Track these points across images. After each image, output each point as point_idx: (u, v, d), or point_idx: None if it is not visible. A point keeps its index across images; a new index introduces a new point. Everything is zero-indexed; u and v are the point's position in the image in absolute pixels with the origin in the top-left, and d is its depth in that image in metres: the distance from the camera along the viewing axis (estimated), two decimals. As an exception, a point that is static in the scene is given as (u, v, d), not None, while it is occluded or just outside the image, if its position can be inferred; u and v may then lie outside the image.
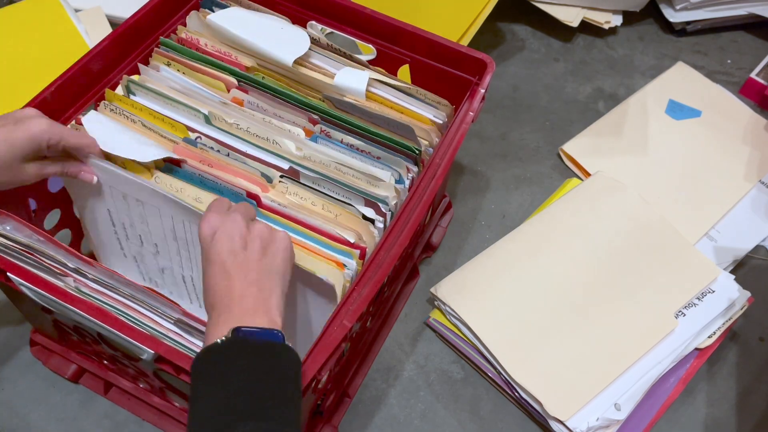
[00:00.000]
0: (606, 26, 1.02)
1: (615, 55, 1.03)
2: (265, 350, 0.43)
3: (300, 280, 0.54)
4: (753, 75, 0.98)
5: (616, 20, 1.03)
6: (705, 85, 0.97)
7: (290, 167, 0.59)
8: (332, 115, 0.62)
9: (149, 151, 0.57)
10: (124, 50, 0.66)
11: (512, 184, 0.87)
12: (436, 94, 0.70)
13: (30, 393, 0.67)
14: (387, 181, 0.59)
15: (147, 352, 0.48)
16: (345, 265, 0.55)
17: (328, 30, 0.72)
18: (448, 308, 0.72)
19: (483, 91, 0.65)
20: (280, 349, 0.44)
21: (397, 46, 0.70)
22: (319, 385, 0.54)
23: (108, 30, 0.91)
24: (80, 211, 0.63)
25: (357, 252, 0.55)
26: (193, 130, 0.60)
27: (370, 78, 0.65)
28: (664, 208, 0.81)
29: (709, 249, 0.81)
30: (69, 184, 0.61)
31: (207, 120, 0.61)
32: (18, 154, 0.51)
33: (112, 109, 0.60)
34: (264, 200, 0.57)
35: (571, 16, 1.00)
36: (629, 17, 1.06)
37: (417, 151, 0.61)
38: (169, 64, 0.64)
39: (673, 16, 1.04)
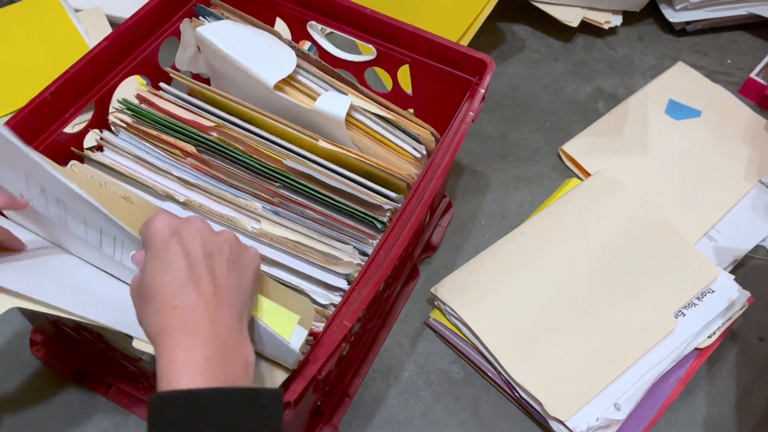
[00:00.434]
0: (606, 26, 1.02)
1: (615, 55, 1.03)
2: (246, 400, 0.36)
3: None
4: (753, 75, 0.98)
5: (616, 20, 1.03)
6: (705, 85, 0.97)
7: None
8: (293, 184, 0.61)
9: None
10: (123, 51, 0.66)
11: (512, 184, 0.87)
12: (436, 94, 0.70)
13: (30, 393, 0.67)
14: (347, 259, 0.58)
15: (147, 353, 0.48)
16: (338, 287, 0.55)
17: (328, 30, 0.72)
18: (448, 308, 0.72)
19: (483, 91, 0.65)
20: (263, 398, 0.37)
21: (397, 46, 0.70)
22: (319, 386, 0.54)
23: (108, 30, 0.91)
24: None
25: (311, 338, 0.54)
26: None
27: (352, 103, 0.63)
28: (664, 208, 0.81)
29: (708, 249, 0.81)
30: None
31: (161, 198, 0.60)
32: None
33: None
34: None
35: (571, 16, 1.00)
36: (629, 17, 1.06)
37: (381, 224, 0.60)
38: (127, 129, 0.63)
39: (673, 16, 1.04)
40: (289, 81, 0.65)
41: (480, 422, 0.69)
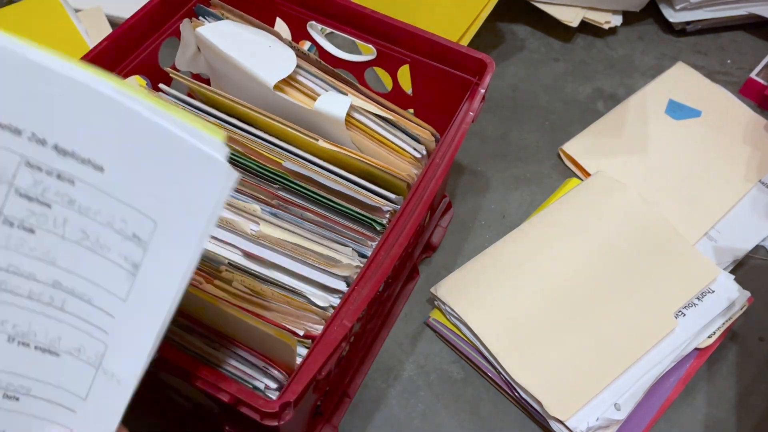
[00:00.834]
0: (606, 26, 1.02)
1: (615, 55, 1.03)
2: None
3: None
4: (753, 75, 0.98)
5: (616, 20, 1.03)
6: (705, 85, 0.97)
7: (245, 251, 0.58)
8: (292, 185, 0.61)
9: None
10: (123, 51, 0.66)
11: (512, 184, 0.87)
12: (436, 94, 0.70)
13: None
14: (346, 261, 0.58)
15: None
16: (336, 288, 0.54)
17: (328, 30, 0.72)
18: (448, 308, 0.72)
19: (483, 91, 0.65)
20: None
21: (397, 46, 0.70)
22: (319, 386, 0.54)
23: (108, 30, 0.91)
24: None
25: (309, 341, 0.55)
26: None
27: (352, 104, 0.63)
28: (664, 208, 0.81)
29: (708, 249, 0.81)
30: None
31: None
32: None
33: None
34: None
35: (570, 16, 1.00)
36: (629, 17, 1.06)
37: (380, 226, 0.60)
38: None
39: (673, 16, 1.04)
40: (288, 81, 0.65)
41: (480, 422, 0.69)
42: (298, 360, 0.53)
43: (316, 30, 0.73)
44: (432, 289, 0.74)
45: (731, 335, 0.75)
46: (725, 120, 0.93)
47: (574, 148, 0.90)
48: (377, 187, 0.61)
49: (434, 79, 0.70)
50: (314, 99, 0.64)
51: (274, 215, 0.61)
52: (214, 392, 0.47)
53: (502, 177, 0.88)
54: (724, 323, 0.72)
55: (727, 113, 0.93)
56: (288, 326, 0.55)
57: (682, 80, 0.97)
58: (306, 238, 0.60)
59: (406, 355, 0.73)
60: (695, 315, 0.72)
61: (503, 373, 0.68)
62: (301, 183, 0.61)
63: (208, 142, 0.34)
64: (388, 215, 0.61)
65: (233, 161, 0.62)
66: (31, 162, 0.34)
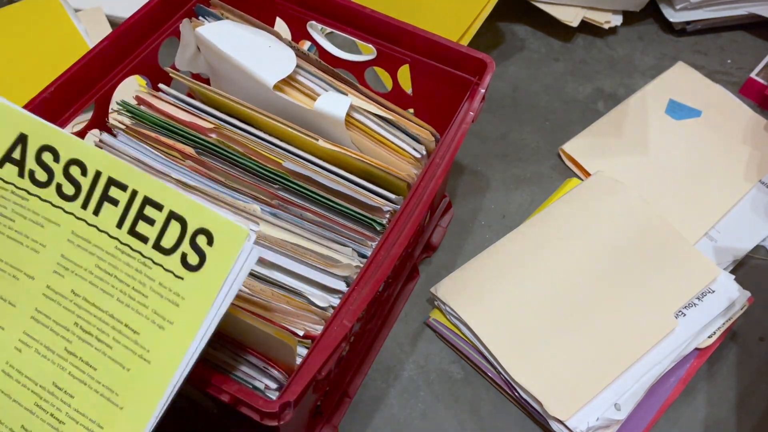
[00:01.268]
0: (606, 26, 1.02)
1: (615, 55, 1.03)
2: None
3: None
4: (753, 75, 0.98)
5: (616, 20, 1.03)
6: (705, 85, 0.97)
7: None
8: (292, 185, 0.61)
9: None
10: (123, 51, 0.66)
11: (512, 184, 0.87)
12: (436, 94, 0.70)
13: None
14: (345, 262, 0.58)
15: None
16: (336, 289, 0.54)
17: (328, 30, 0.72)
18: (448, 308, 0.72)
19: (483, 91, 0.65)
20: None
21: (397, 46, 0.70)
22: (319, 386, 0.54)
23: (108, 30, 0.91)
24: None
25: (308, 341, 0.55)
26: None
27: (352, 103, 0.63)
28: (664, 208, 0.81)
29: (709, 249, 0.81)
30: None
31: None
32: None
33: None
34: None
35: (570, 16, 1.00)
36: (629, 17, 1.06)
37: (380, 226, 0.60)
38: (126, 131, 0.63)
39: (673, 15, 1.04)
40: (288, 81, 0.65)
41: (480, 422, 0.69)
42: (298, 360, 0.53)
43: (316, 30, 0.73)
44: (432, 289, 0.74)
45: (731, 335, 0.75)
46: (725, 120, 0.93)
47: (574, 148, 0.90)
48: (377, 188, 0.61)
49: (434, 79, 0.70)
50: (314, 99, 0.64)
51: (274, 215, 0.61)
52: (215, 392, 0.47)
53: (502, 177, 0.88)
54: (724, 323, 0.72)
55: (727, 113, 0.93)
56: (288, 326, 0.55)
57: (682, 80, 0.97)
58: (306, 238, 0.59)
59: (406, 355, 0.73)
60: (695, 315, 0.72)
61: (503, 373, 0.68)
62: (300, 183, 0.61)
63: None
64: (388, 215, 0.61)
65: (233, 161, 0.62)
66: None
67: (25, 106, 0.58)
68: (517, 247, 0.77)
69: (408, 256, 0.72)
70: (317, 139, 0.62)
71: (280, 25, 0.74)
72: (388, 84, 0.75)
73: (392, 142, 0.65)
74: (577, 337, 0.70)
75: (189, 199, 0.44)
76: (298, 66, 0.65)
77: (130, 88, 0.66)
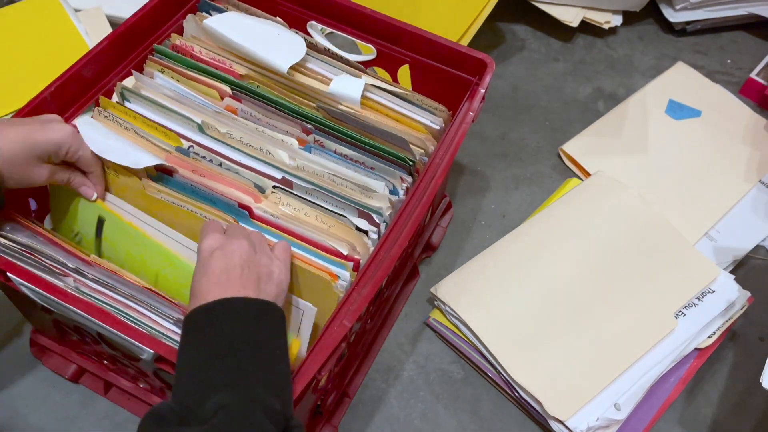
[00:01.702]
0: (606, 26, 1.02)
1: (615, 55, 1.03)
2: (245, 308, 0.45)
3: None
4: (753, 75, 0.98)
5: (616, 20, 1.03)
6: (705, 85, 0.97)
7: (283, 177, 0.59)
8: (326, 125, 0.62)
9: (142, 157, 0.56)
10: (123, 51, 0.66)
11: (512, 184, 0.87)
12: (436, 94, 0.70)
13: (30, 393, 0.67)
14: (381, 192, 0.59)
15: (147, 352, 0.48)
16: (338, 276, 0.55)
17: (328, 30, 0.72)
18: (448, 308, 0.72)
19: (483, 91, 0.65)
20: (260, 306, 0.46)
21: (397, 46, 0.70)
22: (319, 385, 0.54)
23: (108, 30, 0.91)
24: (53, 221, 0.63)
25: (350, 264, 0.55)
26: (187, 139, 0.60)
27: (366, 83, 0.64)
28: (664, 208, 0.81)
29: (708, 249, 0.81)
30: (54, 192, 0.61)
31: (200, 129, 0.61)
32: (37, 155, 0.52)
33: (106, 116, 0.60)
34: (256, 211, 0.57)
35: (570, 16, 1.00)
36: (629, 17, 1.06)
37: (411, 162, 0.61)
38: (163, 71, 0.64)
39: (673, 16, 1.04)
40: (299, 68, 0.66)
41: (480, 422, 0.69)
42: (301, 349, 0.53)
43: (316, 30, 0.73)
44: (432, 289, 0.74)
45: (731, 335, 0.75)
46: (725, 120, 0.93)
47: (574, 148, 0.90)
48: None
49: (434, 79, 0.70)
50: (327, 84, 0.65)
51: (309, 151, 0.62)
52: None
53: (502, 177, 0.88)
54: (724, 323, 0.72)
55: (727, 113, 0.93)
56: (331, 245, 0.55)
57: (682, 80, 0.97)
58: (342, 167, 0.61)
59: (406, 355, 0.73)
60: (695, 315, 0.72)
61: (503, 372, 0.68)
62: (334, 123, 0.62)
63: None
64: (418, 156, 0.62)
65: (268, 101, 0.63)
66: None
67: (25, 107, 0.58)
68: (517, 247, 0.77)
69: (408, 256, 0.72)
70: (339, 103, 0.64)
71: (281, 23, 0.74)
72: (389, 83, 0.75)
73: (409, 117, 0.65)
74: (577, 337, 0.70)
75: None
76: (307, 53, 0.66)
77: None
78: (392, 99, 0.66)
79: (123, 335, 0.48)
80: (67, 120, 0.62)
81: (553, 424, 0.65)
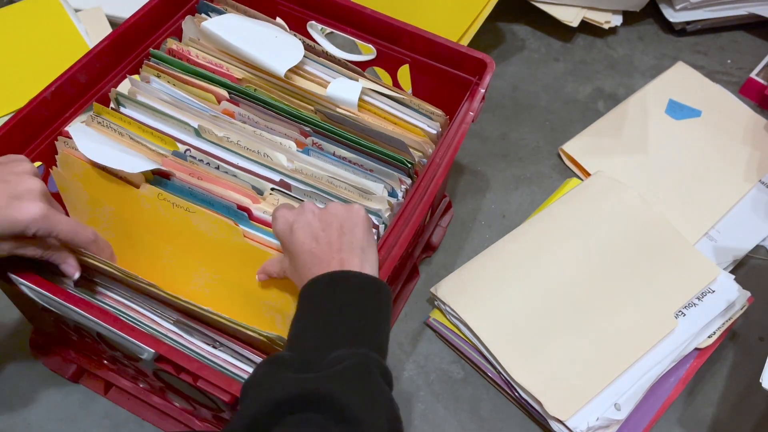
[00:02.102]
0: (606, 26, 1.02)
1: (615, 55, 1.03)
2: (361, 283, 0.47)
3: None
4: (753, 75, 0.98)
5: (616, 20, 1.03)
6: (705, 85, 0.97)
7: (281, 180, 0.59)
8: (324, 128, 0.62)
9: (137, 162, 0.56)
10: (121, 54, 0.66)
11: (512, 184, 0.87)
12: (437, 94, 0.70)
13: (30, 393, 0.67)
14: (379, 194, 0.59)
15: (147, 352, 0.48)
16: None
17: (328, 30, 0.72)
18: (448, 308, 0.72)
19: (483, 90, 0.65)
20: (375, 283, 0.48)
21: (397, 46, 0.70)
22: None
23: (108, 30, 0.91)
24: None
25: None
26: (183, 143, 0.60)
27: (363, 87, 0.64)
28: (664, 207, 0.81)
29: (709, 249, 0.81)
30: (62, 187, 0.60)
31: (197, 133, 0.60)
32: None
33: (100, 122, 0.59)
34: (255, 212, 0.57)
35: (570, 16, 1.00)
36: (629, 17, 1.06)
37: (410, 164, 0.60)
38: (159, 76, 0.64)
39: (673, 16, 1.04)
40: (297, 71, 0.66)
41: (480, 422, 0.69)
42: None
43: (316, 30, 0.73)
44: (432, 289, 0.74)
45: (731, 335, 0.75)
46: (725, 120, 0.93)
47: (574, 147, 0.90)
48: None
49: (434, 79, 0.70)
50: (324, 87, 0.65)
51: (307, 154, 0.62)
52: (215, 392, 0.47)
53: (502, 177, 0.88)
54: (724, 323, 0.72)
55: (727, 113, 0.93)
56: None
57: (682, 80, 0.97)
58: (340, 170, 0.61)
59: (406, 355, 0.73)
60: (695, 315, 0.72)
61: (503, 373, 0.68)
62: (331, 127, 0.62)
63: None
64: (416, 159, 0.62)
65: (265, 104, 0.63)
66: None
67: (25, 107, 0.58)
68: (517, 247, 0.77)
69: (408, 256, 0.72)
70: (337, 106, 0.64)
71: (281, 24, 0.74)
72: (388, 84, 0.75)
73: (407, 121, 0.65)
74: (577, 336, 0.70)
75: None
76: (305, 56, 0.66)
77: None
78: (390, 103, 0.66)
79: (123, 335, 0.48)
80: (63, 124, 0.61)
81: (553, 424, 0.65)
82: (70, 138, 0.58)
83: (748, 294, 0.74)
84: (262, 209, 0.57)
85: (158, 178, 0.58)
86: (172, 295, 0.50)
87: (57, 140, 0.60)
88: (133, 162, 0.56)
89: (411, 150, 0.62)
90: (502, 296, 0.72)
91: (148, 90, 0.63)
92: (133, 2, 0.69)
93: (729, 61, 1.03)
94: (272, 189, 0.58)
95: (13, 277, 0.50)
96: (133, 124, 0.59)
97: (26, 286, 0.50)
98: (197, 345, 0.53)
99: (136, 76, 0.65)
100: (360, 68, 0.73)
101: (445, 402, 0.70)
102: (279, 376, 0.41)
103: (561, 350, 0.69)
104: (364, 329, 0.45)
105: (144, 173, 0.57)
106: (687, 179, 0.86)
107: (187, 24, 0.68)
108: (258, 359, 0.52)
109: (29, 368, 0.68)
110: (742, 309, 0.73)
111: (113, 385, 0.66)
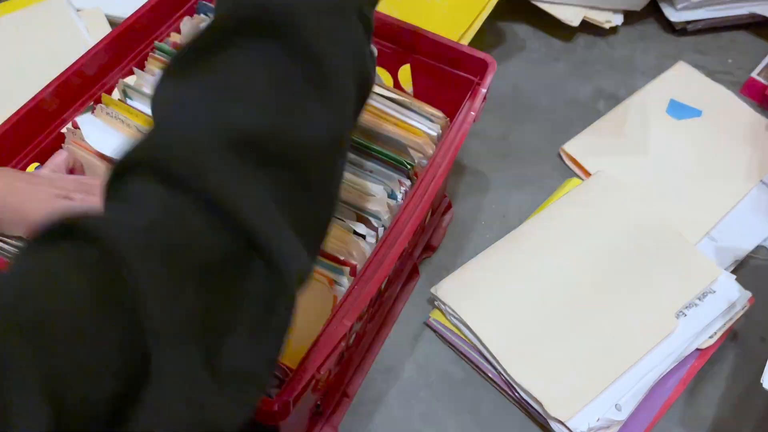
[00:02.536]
0: (606, 26, 1.02)
1: (615, 54, 1.03)
2: None
3: None
4: (754, 75, 0.98)
5: (617, 20, 1.03)
6: (706, 84, 0.97)
7: None
8: None
9: None
10: (124, 50, 0.66)
11: (512, 184, 0.87)
12: (437, 94, 0.70)
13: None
14: (379, 195, 0.59)
15: None
16: (335, 281, 0.54)
17: (328, 29, 0.72)
18: (448, 308, 0.72)
19: (484, 90, 0.65)
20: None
21: (398, 46, 0.70)
22: (319, 385, 0.54)
23: (108, 30, 0.91)
24: None
25: (347, 269, 0.55)
26: None
27: None
28: (665, 208, 0.81)
29: (709, 249, 0.80)
30: None
31: None
32: None
33: (108, 113, 0.60)
34: None
35: (571, 16, 1.00)
36: (630, 17, 1.05)
37: (409, 166, 0.60)
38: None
39: (674, 15, 1.04)
40: None
41: (480, 422, 0.69)
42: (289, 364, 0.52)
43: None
44: (432, 289, 0.74)
45: (732, 335, 0.75)
46: (726, 120, 0.92)
47: (574, 147, 0.89)
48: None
49: (435, 79, 0.70)
50: None
51: None
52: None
53: (503, 177, 0.88)
54: (725, 323, 0.72)
55: (727, 113, 0.93)
56: (329, 249, 0.55)
57: (682, 80, 0.97)
58: None
59: (406, 355, 0.73)
60: (696, 315, 0.72)
61: (503, 373, 0.68)
62: None
63: None
64: (416, 159, 0.61)
65: None
66: None
67: (25, 106, 0.58)
68: (517, 247, 0.76)
69: (408, 256, 0.71)
70: None
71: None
72: (389, 84, 0.75)
73: (407, 123, 0.65)
74: (577, 337, 0.70)
75: None
76: None
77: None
78: (390, 105, 0.65)
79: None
80: (69, 118, 0.62)
81: (554, 425, 0.65)
82: (78, 129, 0.58)
83: (749, 294, 0.74)
84: None
85: None
86: None
87: (64, 131, 0.61)
88: None
89: (411, 151, 0.62)
90: (502, 296, 0.72)
91: (153, 82, 0.63)
92: (133, 2, 0.69)
93: (730, 60, 1.03)
94: None
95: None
96: (140, 116, 0.60)
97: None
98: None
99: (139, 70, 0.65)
100: (360, 68, 0.74)
101: (445, 402, 0.70)
102: None
103: (561, 350, 0.69)
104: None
105: None
106: (688, 179, 0.86)
107: (186, 26, 0.68)
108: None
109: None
110: (743, 309, 0.73)
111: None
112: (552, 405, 0.65)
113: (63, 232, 0.27)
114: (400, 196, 0.60)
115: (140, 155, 0.30)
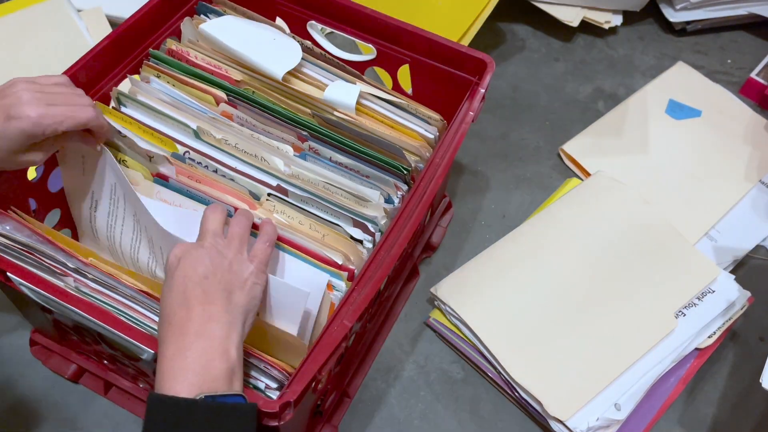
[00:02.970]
0: (606, 26, 1.02)
1: (615, 54, 1.03)
2: (222, 413, 0.42)
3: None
4: (753, 75, 0.98)
5: (616, 20, 1.03)
6: (705, 84, 0.97)
7: (278, 185, 0.59)
8: (321, 133, 0.61)
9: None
10: (121, 54, 0.66)
11: (512, 184, 0.87)
12: (437, 94, 0.70)
13: (30, 393, 0.67)
14: (375, 201, 0.59)
15: (147, 352, 0.48)
16: (333, 286, 0.55)
17: (328, 30, 0.72)
18: (448, 308, 0.72)
19: (483, 90, 0.65)
20: (237, 412, 0.43)
21: (397, 46, 0.70)
22: (319, 386, 0.54)
23: (108, 30, 0.91)
24: (68, 190, 0.62)
25: (345, 273, 0.55)
26: (182, 144, 0.60)
27: (361, 90, 0.64)
28: (664, 208, 0.81)
29: (709, 249, 0.81)
30: (63, 158, 0.60)
31: (196, 135, 0.60)
32: (14, 148, 0.49)
33: None
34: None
35: (571, 16, 1.00)
36: (629, 17, 1.06)
37: (406, 170, 0.60)
38: (159, 76, 0.64)
39: (673, 15, 1.04)
40: (295, 74, 0.66)
41: (480, 422, 0.69)
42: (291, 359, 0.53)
43: (316, 30, 0.73)
44: (432, 289, 0.74)
45: (731, 335, 0.75)
46: (725, 120, 0.93)
47: (574, 147, 0.90)
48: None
49: (434, 79, 0.70)
50: (322, 89, 0.65)
51: (304, 159, 0.62)
52: (214, 392, 0.47)
53: (502, 177, 0.88)
54: (724, 323, 0.72)
55: (727, 113, 0.93)
56: (326, 255, 0.55)
57: (682, 80, 0.97)
58: (337, 175, 0.61)
59: (406, 355, 0.73)
60: (695, 315, 0.72)
61: (503, 373, 0.68)
62: (329, 131, 0.61)
63: None
64: (412, 164, 0.62)
65: (263, 107, 0.62)
66: None
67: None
68: (517, 247, 0.77)
69: (408, 256, 0.72)
70: (334, 109, 0.64)
71: (281, 24, 0.74)
72: (388, 84, 0.75)
73: (404, 126, 0.65)
74: (577, 336, 0.70)
75: None
76: (303, 59, 0.66)
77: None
78: (387, 107, 0.65)
79: (123, 335, 0.48)
80: None
81: (554, 424, 0.65)
82: None
83: (749, 294, 0.74)
84: (258, 215, 0.56)
85: (158, 179, 0.58)
86: None
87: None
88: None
89: (408, 154, 0.62)
90: (502, 296, 0.72)
91: (148, 90, 0.63)
92: (133, 2, 0.69)
93: (729, 60, 1.03)
94: (269, 195, 0.58)
95: (13, 277, 0.50)
96: (134, 125, 0.59)
97: (26, 286, 0.50)
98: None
99: (136, 76, 0.65)
100: (360, 68, 0.74)
101: (445, 402, 0.70)
102: None
103: (561, 350, 0.69)
104: None
105: (144, 174, 0.57)
106: (687, 179, 0.86)
107: (186, 26, 0.68)
108: (262, 365, 0.52)
109: (29, 368, 0.68)
110: (742, 309, 0.73)
111: (113, 385, 0.66)
112: (551, 404, 0.65)
113: None
114: (396, 200, 0.60)
115: None
